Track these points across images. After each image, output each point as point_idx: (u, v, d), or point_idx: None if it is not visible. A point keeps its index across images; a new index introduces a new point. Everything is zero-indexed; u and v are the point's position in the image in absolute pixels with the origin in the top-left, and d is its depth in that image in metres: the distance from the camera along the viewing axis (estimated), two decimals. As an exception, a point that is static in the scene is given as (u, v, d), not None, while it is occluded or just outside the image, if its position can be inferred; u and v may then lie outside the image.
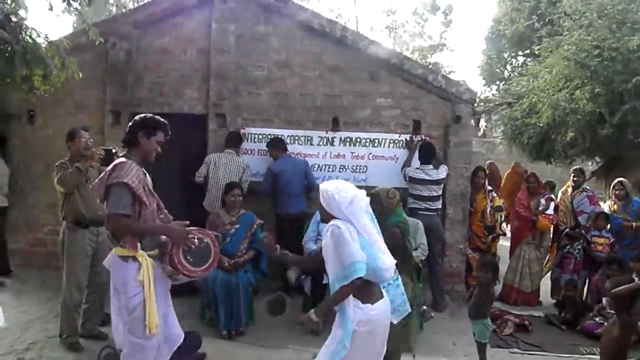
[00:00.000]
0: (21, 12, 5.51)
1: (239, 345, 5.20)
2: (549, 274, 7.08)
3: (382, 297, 3.15)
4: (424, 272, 6.29)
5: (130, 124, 3.46)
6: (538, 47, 11.93)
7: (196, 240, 3.35)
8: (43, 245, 6.88)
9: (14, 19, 5.38)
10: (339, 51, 6.73)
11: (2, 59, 5.20)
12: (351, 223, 2.99)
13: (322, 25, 6.67)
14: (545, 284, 7.09)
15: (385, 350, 3.21)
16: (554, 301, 6.84)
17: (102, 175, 3.38)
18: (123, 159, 3.34)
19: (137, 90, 6.76)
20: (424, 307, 5.33)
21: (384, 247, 3.13)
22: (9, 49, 5.17)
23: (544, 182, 7.39)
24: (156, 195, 3.53)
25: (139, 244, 3.29)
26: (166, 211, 3.61)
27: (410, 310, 3.65)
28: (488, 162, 8.69)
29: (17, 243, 6.94)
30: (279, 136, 6.59)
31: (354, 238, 2.94)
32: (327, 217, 3.10)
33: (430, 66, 25.30)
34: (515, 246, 6.99)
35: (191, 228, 3.46)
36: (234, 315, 5.37)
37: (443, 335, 5.65)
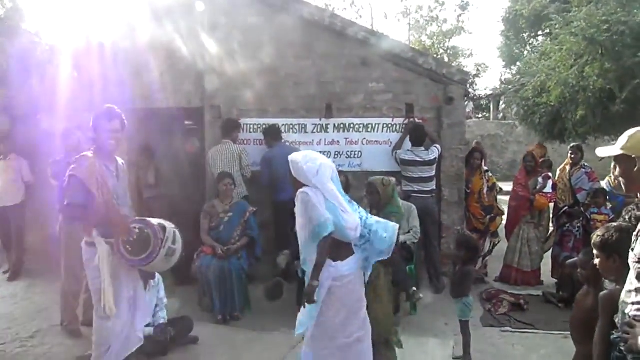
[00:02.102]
0: (16, 17, 5.71)
1: (232, 329, 5.35)
2: (551, 253, 7.01)
3: (352, 254, 3.45)
4: (420, 255, 6.35)
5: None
6: (549, 24, 11.69)
7: (137, 231, 3.50)
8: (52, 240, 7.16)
9: (9, 23, 5.60)
10: (329, 38, 6.77)
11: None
12: (318, 189, 3.29)
13: (311, 13, 6.73)
14: (547, 263, 7.02)
15: (363, 296, 3.57)
16: (555, 280, 6.78)
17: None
18: (84, 153, 3.62)
19: (135, 88, 6.91)
20: (414, 289, 5.36)
21: (349, 209, 3.42)
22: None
23: (541, 160, 7.29)
24: (114, 187, 3.65)
25: (94, 231, 3.53)
26: (120, 207, 3.71)
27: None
28: (475, 141, 8.57)
29: (29, 239, 7.24)
30: (275, 125, 6.64)
31: (321, 202, 3.26)
32: (297, 185, 3.37)
33: (448, 51, 25.16)
34: (512, 226, 6.94)
35: (136, 218, 3.68)
36: (228, 301, 5.54)
37: (437, 316, 5.68)
